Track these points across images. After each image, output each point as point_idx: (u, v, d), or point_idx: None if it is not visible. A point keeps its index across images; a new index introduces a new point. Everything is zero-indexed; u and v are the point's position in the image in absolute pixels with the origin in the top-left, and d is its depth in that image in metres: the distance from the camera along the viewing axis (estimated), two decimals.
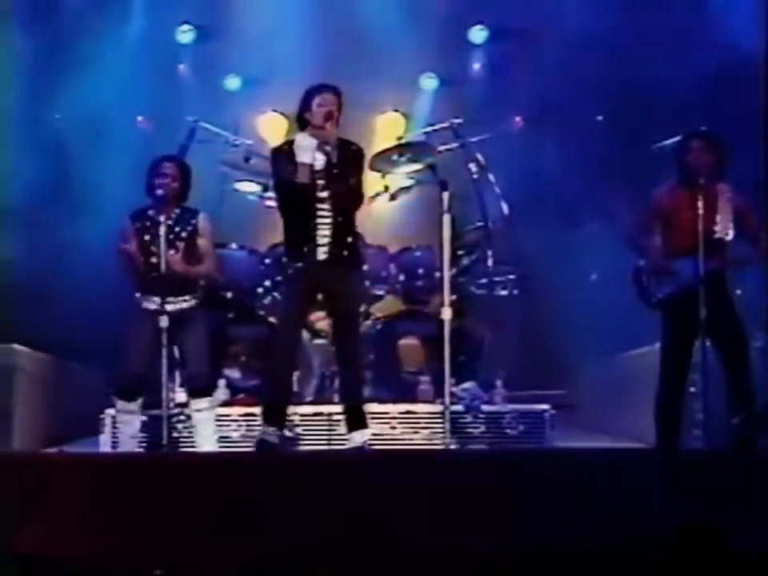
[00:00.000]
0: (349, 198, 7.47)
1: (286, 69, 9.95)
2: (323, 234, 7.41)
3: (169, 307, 7.64)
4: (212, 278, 8.19)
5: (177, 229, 7.76)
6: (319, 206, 7.40)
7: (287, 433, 7.89)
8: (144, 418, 7.93)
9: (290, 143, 7.48)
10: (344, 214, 7.45)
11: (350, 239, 7.50)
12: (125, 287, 8.00)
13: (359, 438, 7.51)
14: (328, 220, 7.41)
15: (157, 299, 7.64)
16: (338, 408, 7.89)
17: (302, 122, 7.50)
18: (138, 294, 7.80)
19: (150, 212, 7.77)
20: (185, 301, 7.81)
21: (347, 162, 7.45)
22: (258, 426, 7.81)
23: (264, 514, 5.59)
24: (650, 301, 7.65)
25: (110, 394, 7.93)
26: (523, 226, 9.35)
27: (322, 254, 7.42)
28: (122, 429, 7.91)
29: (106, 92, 9.98)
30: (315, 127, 7.42)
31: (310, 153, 7.35)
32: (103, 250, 9.46)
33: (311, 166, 7.35)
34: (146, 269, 7.69)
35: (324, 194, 7.40)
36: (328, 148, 7.41)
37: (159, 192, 7.68)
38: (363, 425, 7.54)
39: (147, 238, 7.71)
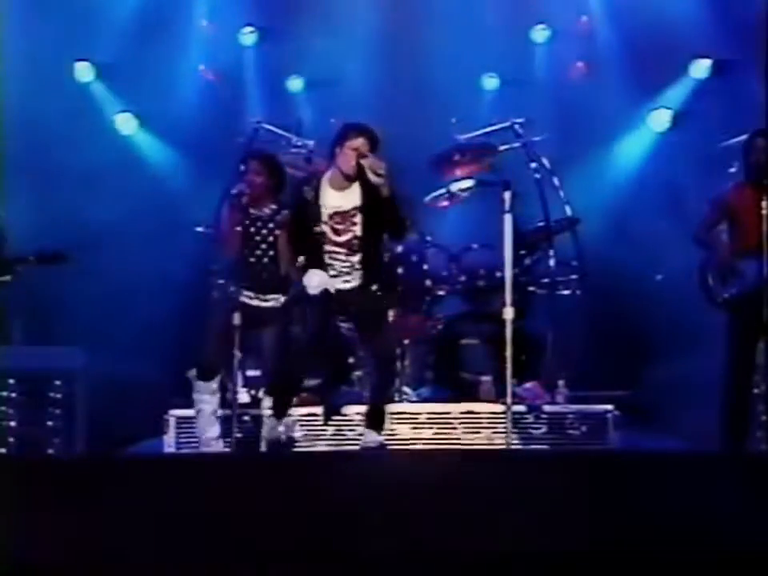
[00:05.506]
0: (370, 237, 7.41)
1: (347, 71, 9.97)
2: (338, 268, 7.40)
3: (261, 303, 7.78)
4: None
5: (270, 225, 7.83)
6: (333, 248, 7.38)
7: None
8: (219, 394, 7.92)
9: (316, 200, 7.39)
10: (363, 251, 7.39)
11: (369, 271, 7.43)
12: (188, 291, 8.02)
13: (372, 437, 7.49)
14: (342, 258, 7.38)
15: (249, 293, 7.75)
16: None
17: (332, 153, 7.44)
18: (232, 287, 7.75)
19: (248, 206, 7.80)
20: (274, 299, 7.86)
21: (369, 203, 7.35)
22: (319, 425, 7.86)
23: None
24: (715, 301, 7.60)
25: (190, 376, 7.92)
26: (586, 225, 9.31)
27: (339, 282, 7.41)
28: (203, 407, 7.84)
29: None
30: (339, 166, 7.37)
31: (317, 290, 7.33)
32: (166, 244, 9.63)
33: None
34: (243, 262, 7.72)
35: (339, 239, 7.38)
36: (348, 191, 7.37)
37: (248, 189, 7.76)
38: (380, 426, 7.53)
39: (245, 231, 7.75)
